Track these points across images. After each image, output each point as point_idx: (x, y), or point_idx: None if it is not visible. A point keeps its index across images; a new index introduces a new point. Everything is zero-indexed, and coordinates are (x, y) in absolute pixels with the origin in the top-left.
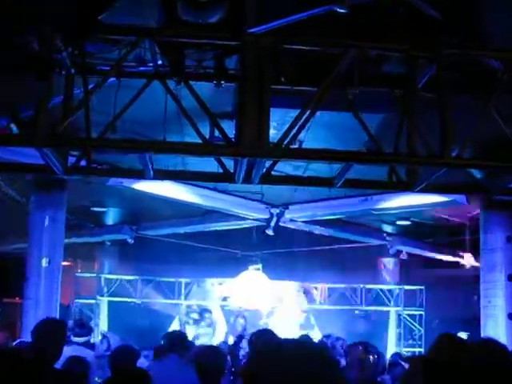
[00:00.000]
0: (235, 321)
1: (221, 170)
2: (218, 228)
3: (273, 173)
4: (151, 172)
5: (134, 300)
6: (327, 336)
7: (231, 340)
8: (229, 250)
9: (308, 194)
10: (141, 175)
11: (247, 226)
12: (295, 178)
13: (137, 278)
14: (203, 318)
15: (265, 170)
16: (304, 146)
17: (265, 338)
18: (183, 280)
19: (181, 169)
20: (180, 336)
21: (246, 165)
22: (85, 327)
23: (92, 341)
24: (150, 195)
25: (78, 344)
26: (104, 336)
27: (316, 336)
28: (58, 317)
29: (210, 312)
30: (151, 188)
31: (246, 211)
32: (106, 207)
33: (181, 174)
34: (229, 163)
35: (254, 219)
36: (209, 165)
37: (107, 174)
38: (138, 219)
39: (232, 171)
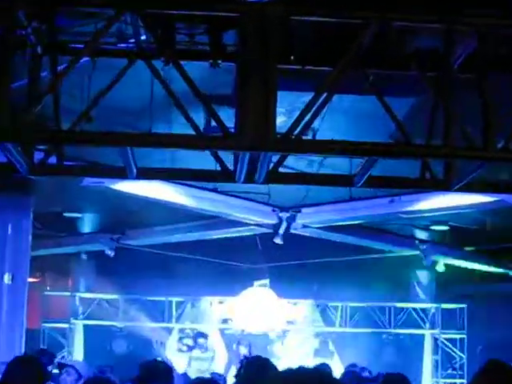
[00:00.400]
0: (237, 348)
1: (218, 168)
2: (216, 236)
3: (281, 170)
4: (134, 170)
5: (115, 324)
6: (352, 366)
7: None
8: (229, 263)
9: (324, 195)
10: (122, 174)
11: (251, 233)
12: (308, 175)
13: (118, 297)
14: (198, 345)
15: (271, 166)
16: (318, 137)
17: (256, 369)
18: (174, 299)
19: (170, 166)
20: (161, 366)
21: (249, 160)
22: (45, 354)
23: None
24: (134, 198)
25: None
26: (68, 366)
27: (336, 366)
28: (23, 344)
29: (207, 337)
30: (135, 189)
31: (249, 215)
32: (81, 212)
33: (170, 172)
34: (228, 159)
35: (259, 225)
36: (204, 161)
37: (82, 173)
38: (120, 227)
39: (232, 168)
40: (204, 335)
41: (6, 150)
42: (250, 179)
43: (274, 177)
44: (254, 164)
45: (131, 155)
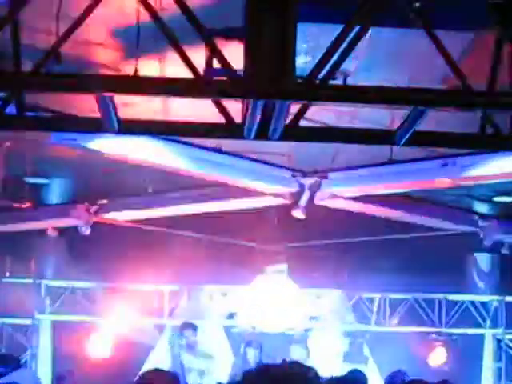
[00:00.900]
0: (245, 351)
1: (223, 120)
2: (219, 209)
3: (302, 123)
4: (115, 123)
5: (91, 318)
6: (397, 373)
7: None
8: (237, 243)
9: (357, 157)
10: (100, 127)
11: (265, 205)
12: (337, 130)
13: (95, 285)
14: (187, 346)
15: (290, 118)
16: (350, 82)
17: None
18: (167, 288)
19: (161, 118)
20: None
21: (262, 111)
22: (8, 361)
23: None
24: (114, 159)
25: None
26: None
27: (372, 373)
28: None
29: (195, 329)
30: (117, 148)
31: (262, 182)
32: (47, 177)
33: (161, 125)
34: (235, 108)
35: (275, 194)
36: (204, 112)
37: (49, 127)
38: (98, 196)
39: (240, 121)
40: (192, 326)
41: None
42: (262, 135)
43: (293, 132)
44: (267, 116)
45: (112, 104)
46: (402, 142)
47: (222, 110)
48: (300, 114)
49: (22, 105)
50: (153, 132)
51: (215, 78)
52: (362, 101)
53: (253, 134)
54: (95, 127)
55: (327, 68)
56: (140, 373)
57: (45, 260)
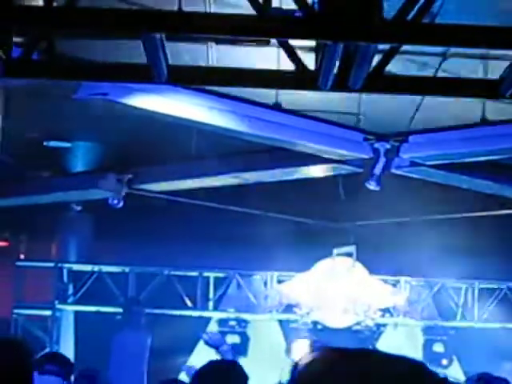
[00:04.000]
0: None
1: (293, 67)
2: (276, 179)
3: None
4: (164, 70)
5: (121, 310)
6: (484, 375)
7: None
8: (295, 220)
9: (440, 118)
10: (145, 76)
11: (331, 174)
12: (430, 81)
13: (127, 269)
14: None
15: (373, 67)
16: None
17: None
18: (212, 274)
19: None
20: None
21: (341, 57)
22: (57, 361)
23: None
24: (154, 119)
25: None
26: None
27: (457, 375)
28: None
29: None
30: (157, 105)
31: (329, 146)
32: (71, 141)
33: (218, 74)
34: (307, 55)
35: (343, 162)
36: (265, 60)
37: (80, 76)
38: (131, 163)
39: (314, 68)
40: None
41: None
42: (340, 85)
43: (378, 82)
44: (347, 62)
45: (161, 47)
46: (509, 93)
47: (293, 55)
48: (386, 59)
49: (53, 48)
50: (208, 81)
51: (281, 15)
52: (453, 43)
53: (329, 83)
54: (139, 76)
55: (417, 7)
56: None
57: (67, 240)
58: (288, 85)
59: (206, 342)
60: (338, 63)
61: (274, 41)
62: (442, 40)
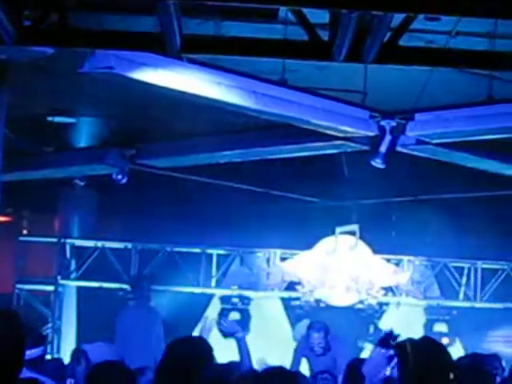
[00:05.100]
0: (309, 334)
1: (305, 38)
2: (279, 156)
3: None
4: (178, 39)
5: (124, 286)
6: (475, 354)
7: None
8: (298, 198)
9: (446, 96)
10: (158, 46)
11: (335, 151)
12: (436, 52)
13: (130, 245)
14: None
15: (388, 37)
16: None
17: None
18: (215, 251)
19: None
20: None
21: (355, 28)
22: (35, 335)
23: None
24: (158, 93)
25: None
26: (78, 351)
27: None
28: None
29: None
30: (162, 79)
31: (334, 123)
32: (75, 116)
33: (232, 43)
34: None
35: (348, 139)
36: (271, 31)
37: (92, 44)
38: (136, 139)
39: (326, 39)
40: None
41: None
42: (354, 56)
43: (393, 53)
44: (361, 34)
45: (175, 14)
46: None
47: (306, 25)
48: (403, 28)
49: (64, 19)
50: (221, 51)
51: None
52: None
53: (343, 54)
54: (151, 45)
55: None
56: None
57: (70, 215)
58: (301, 55)
59: (221, 330)
60: (351, 34)
61: (281, 16)
62: (459, 10)
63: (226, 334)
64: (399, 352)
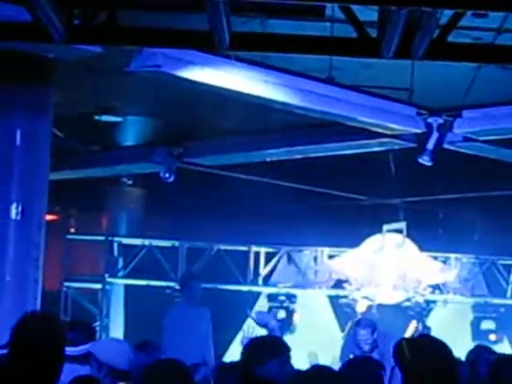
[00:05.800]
0: (356, 331)
1: (354, 35)
2: (326, 154)
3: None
4: (227, 37)
5: (171, 284)
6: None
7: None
8: (345, 196)
9: (495, 94)
10: (207, 44)
11: (382, 149)
12: (486, 49)
13: (177, 243)
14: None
15: (437, 33)
16: None
17: None
18: (263, 249)
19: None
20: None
21: (404, 24)
22: (82, 330)
23: None
24: (206, 92)
25: (71, 359)
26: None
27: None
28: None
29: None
30: (212, 78)
31: (381, 121)
32: (122, 115)
33: (283, 40)
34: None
35: (395, 136)
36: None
37: (141, 42)
38: (183, 137)
39: (375, 36)
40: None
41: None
42: (403, 53)
43: (442, 49)
44: (411, 30)
45: (224, 12)
46: None
47: (355, 22)
48: (451, 24)
49: (114, 17)
50: (270, 49)
51: None
52: None
53: (392, 51)
54: (199, 42)
55: None
56: None
57: (118, 213)
58: (350, 52)
59: (255, 320)
60: (401, 29)
61: (327, 14)
62: (508, 6)
63: (259, 324)
64: (397, 353)
